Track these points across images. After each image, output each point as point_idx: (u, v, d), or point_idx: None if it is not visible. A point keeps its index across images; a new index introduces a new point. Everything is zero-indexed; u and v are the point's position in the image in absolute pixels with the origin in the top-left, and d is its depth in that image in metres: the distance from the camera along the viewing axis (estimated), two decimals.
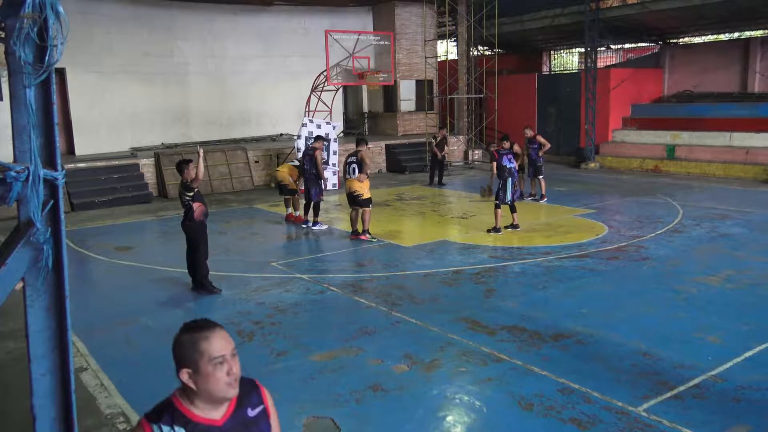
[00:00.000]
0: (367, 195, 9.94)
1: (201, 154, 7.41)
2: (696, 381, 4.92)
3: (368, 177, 10.10)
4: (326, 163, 14.81)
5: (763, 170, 15.93)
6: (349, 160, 10.08)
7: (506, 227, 10.45)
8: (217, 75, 19.25)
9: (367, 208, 10.00)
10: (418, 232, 10.90)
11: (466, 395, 4.85)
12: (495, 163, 10.36)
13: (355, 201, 9.99)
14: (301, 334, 6.17)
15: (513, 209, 10.43)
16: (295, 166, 11.75)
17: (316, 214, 11.07)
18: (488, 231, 10.32)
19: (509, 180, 10.28)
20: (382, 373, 5.22)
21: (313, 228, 10.99)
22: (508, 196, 10.30)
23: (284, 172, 11.74)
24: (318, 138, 11.43)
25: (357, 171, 9.89)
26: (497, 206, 10.30)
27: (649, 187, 15.02)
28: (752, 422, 4.33)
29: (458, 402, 4.76)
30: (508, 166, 10.34)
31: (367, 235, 10.04)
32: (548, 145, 13.32)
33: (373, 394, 4.86)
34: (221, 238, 10.28)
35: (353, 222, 10.17)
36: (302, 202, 11.56)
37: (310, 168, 10.87)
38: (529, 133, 13.52)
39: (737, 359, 5.30)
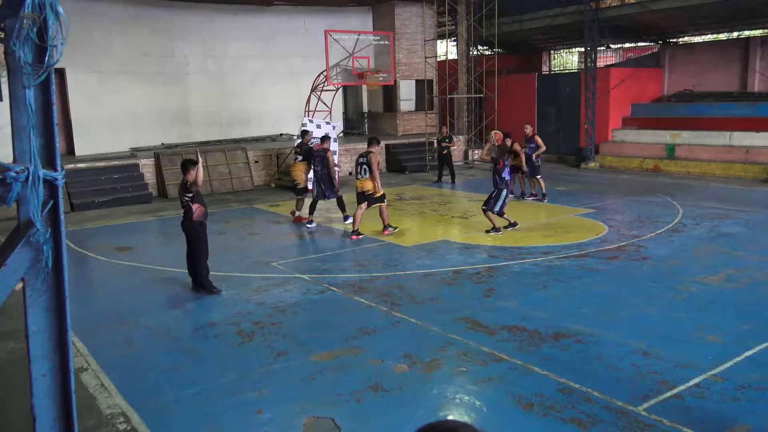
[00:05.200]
0: (380, 193, 10.27)
1: (200, 160, 7.40)
2: (696, 380, 4.93)
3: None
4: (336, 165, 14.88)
5: (763, 170, 15.92)
6: (360, 160, 10.27)
7: (505, 227, 10.45)
8: (217, 75, 19.25)
9: (383, 203, 10.38)
10: (418, 232, 10.89)
11: (466, 395, 4.85)
12: (497, 167, 10.33)
13: (368, 199, 10.25)
14: (301, 334, 6.18)
15: (500, 215, 10.38)
16: (300, 160, 11.73)
17: (343, 209, 11.41)
18: (487, 232, 10.31)
19: (504, 191, 10.24)
20: (383, 373, 5.22)
21: (345, 222, 11.24)
22: (497, 207, 10.25)
23: (299, 171, 11.72)
24: (326, 138, 11.66)
25: (368, 172, 10.12)
26: (485, 211, 10.31)
27: (649, 187, 15.01)
28: (752, 422, 4.34)
29: (458, 402, 4.76)
30: (507, 179, 10.35)
31: (390, 229, 10.40)
32: (544, 148, 13.35)
33: (373, 394, 4.86)
34: (221, 238, 10.28)
35: (356, 221, 10.28)
36: (307, 201, 11.65)
37: (322, 169, 11.10)
38: (528, 130, 13.51)
39: (737, 359, 5.31)
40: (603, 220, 11.26)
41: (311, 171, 11.59)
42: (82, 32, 15.59)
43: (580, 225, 10.97)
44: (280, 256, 9.34)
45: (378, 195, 10.22)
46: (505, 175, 10.32)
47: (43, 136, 2.34)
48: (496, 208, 10.26)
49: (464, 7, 20.73)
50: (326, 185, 11.18)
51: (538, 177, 13.31)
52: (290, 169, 12.33)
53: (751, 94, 19.09)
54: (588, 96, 19.04)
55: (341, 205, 11.41)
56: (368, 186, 10.14)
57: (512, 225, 10.49)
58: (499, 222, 10.36)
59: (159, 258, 9.44)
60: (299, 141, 11.98)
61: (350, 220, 11.16)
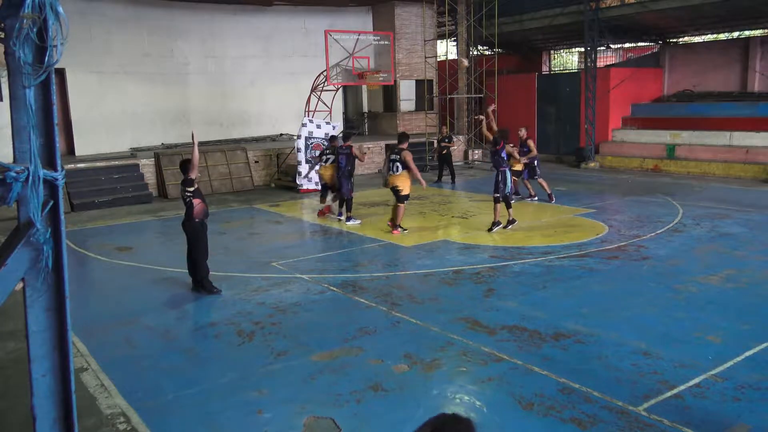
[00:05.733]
0: (406, 191, 10.37)
1: (195, 139, 7.39)
2: (696, 380, 4.93)
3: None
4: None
5: (763, 169, 15.92)
6: (393, 157, 10.40)
7: (504, 227, 10.46)
8: (217, 75, 19.26)
9: (402, 204, 10.42)
10: (418, 232, 10.89)
11: (466, 395, 4.85)
12: (497, 147, 10.42)
13: (396, 195, 10.39)
14: (301, 334, 6.18)
15: (508, 205, 10.49)
16: (331, 162, 11.80)
17: (349, 209, 11.50)
18: (488, 230, 10.32)
19: (507, 171, 10.39)
20: (383, 373, 5.22)
21: (347, 223, 11.33)
22: (508, 189, 10.39)
23: (328, 174, 11.89)
24: (349, 135, 12.17)
25: (400, 169, 10.24)
26: (497, 200, 10.36)
27: (649, 187, 15.01)
28: (752, 422, 4.34)
29: (458, 402, 4.76)
30: (505, 158, 10.49)
31: (399, 230, 10.42)
32: (534, 152, 13.23)
33: (373, 394, 4.86)
34: (221, 238, 10.28)
35: (398, 216, 10.50)
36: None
37: (345, 165, 11.37)
38: (522, 133, 13.43)
39: (737, 359, 5.31)
40: (603, 220, 11.26)
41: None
42: (82, 32, 15.61)
43: (580, 225, 10.97)
44: (280, 256, 9.34)
45: (403, 193, 10.30)
46: (503, 155, 10.42)
47: (43, 136, 2.34)
48: (508, 190, 10.37)
49: (464, 7, 20.73)
50: (345, 180, 11.39)
51: (536, 178, 13.27)
52: (320, 175, 12.42)
53: (751, 94, 19.08)
54: (588, 96, 19.04)
55: (349, 205, 11.52)
56: (397, 182, 10.27)
57: (511, 222, 10.53)
58: (503, 218, 10.41)
59: (159, 258, 9.43)
60: (327, 144, 12.31)
61: (351, 222, 11.31)
